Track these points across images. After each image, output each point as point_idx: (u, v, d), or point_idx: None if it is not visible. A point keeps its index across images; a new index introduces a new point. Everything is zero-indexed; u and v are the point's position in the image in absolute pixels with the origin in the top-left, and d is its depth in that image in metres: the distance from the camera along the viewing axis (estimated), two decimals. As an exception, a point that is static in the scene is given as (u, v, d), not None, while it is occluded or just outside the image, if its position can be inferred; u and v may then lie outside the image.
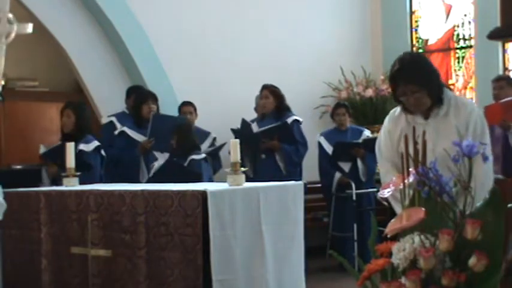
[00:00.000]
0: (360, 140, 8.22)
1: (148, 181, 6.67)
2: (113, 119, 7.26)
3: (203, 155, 6.72)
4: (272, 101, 7.57)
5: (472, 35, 9.71)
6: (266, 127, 7.46)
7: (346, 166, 8.13)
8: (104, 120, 7.55)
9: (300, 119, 7.66)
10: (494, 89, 7.69)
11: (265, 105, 7.63)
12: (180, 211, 4.57)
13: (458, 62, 9.96)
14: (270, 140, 7.36)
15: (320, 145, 8.25)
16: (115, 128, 7.16)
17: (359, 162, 8.10)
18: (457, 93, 9.72)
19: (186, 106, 7.76)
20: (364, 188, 8.06)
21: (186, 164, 6.52)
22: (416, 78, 3.57)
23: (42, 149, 6.60)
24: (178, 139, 6.63)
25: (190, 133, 6.80)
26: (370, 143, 8.45)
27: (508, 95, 7.54)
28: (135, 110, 7.13)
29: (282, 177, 6.61)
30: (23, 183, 5.72)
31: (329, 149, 8.16)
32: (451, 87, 8.82)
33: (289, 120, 7.51)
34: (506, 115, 7.38)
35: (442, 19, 10.11)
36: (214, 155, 7.41)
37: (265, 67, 8.91)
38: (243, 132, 7.42)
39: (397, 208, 3.37)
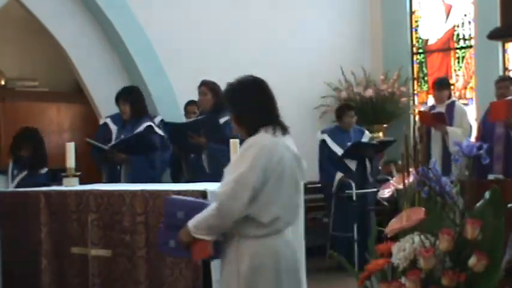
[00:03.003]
0: (375, 141, 8.31)
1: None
2: (108, 120, 7.25)
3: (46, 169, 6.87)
4: (210, 98, 7.06)
5: (472, 35, 9.72)
6: (192, 119, 7.26)
7: (352, 165, 8.12)
8: (102, 121, 7.55)
9: None
10: (500, 89, 7.67)
11: (202, 102, 7.18)
12: (180, 211, 4.56)
13: (458, 62, 9.96)
14: (198, 135, 6.90)
15: (324, 143, 8.21)
16: (109, 129, 7.15)
17: (367, 163, 8.13)
18: (457, 93, 9.74)
19: (191, 106, 7.78)
20: (367, 188, 8.06)
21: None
22: (227, 101, 3.60)
23: None
24: (33, 151, 6.84)
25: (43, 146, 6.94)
26: (384, 144, 8.56)
27: None
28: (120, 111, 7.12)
29: (207, 178, 6.19)
30: None
31: (334, 147, 8.14)
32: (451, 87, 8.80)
33: (222, 120, 6.99)
34: (510, 113, 7.36)
35: (442, 19, 10.12)
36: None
37: (265, 67, 8.84)
38: (171, 126, 7.23)
39: None
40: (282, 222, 3.43)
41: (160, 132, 7.00)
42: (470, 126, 8.23)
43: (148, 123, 6.89)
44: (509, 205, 3.12)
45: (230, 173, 3.38)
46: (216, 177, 6.41)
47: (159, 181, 6.90)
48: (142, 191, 4.82)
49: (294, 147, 3.58)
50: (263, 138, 3.41)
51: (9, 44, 9.44)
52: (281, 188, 3.40)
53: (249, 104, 3.50)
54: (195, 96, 7.72)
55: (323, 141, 8.24)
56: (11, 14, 8.50)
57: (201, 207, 3.45)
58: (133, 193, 4.80)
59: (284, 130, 3.53)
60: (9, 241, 5.47)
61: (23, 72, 9.76)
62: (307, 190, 6.42)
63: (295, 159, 3.52)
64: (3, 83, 9.63)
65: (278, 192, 3.39)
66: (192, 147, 7.00)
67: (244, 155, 3.38)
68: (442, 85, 8.21)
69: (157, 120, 7.27)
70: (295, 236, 3.62)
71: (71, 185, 5.56)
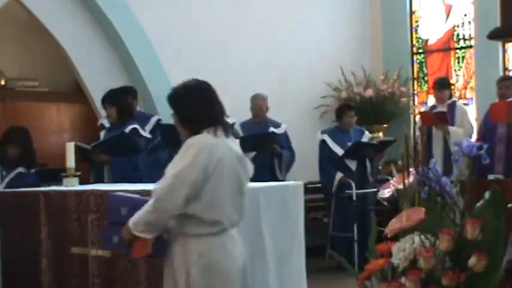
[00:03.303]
0: (375, 141, 8.32)
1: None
2: (104, 121, 7.26)
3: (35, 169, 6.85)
4: None
5: (472, 35, 9.71)
6: None
7: (352, 165, 8.12)
8: (99, 122, 7.55)
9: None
10: (501, 89, 7.65)
11: None
12: (180, 211, 4.56)
13: (458, 62, 9.96)
14: None
15: (324, 143, 8.21)
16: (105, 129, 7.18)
17: (367, 163, 8.13)
18: (457, 93, 9.74)
19: None
20: (367, 188, 8.06)
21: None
22: (171, 102, 3.72)
23: None
24: (22, 151, 6.77)
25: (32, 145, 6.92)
26: (384, 144, 8.56)
27: None
28: None
29: None
30: None
31: (335, 147, 8.14)
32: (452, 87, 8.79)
33: None
34: (510, 114, 7.35)
35: (442, 19, 10.11)
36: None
37: (265, 67, 8.92)
38: (166, 127, 7.16)
39: None
40: (225, 221, 3.49)
41: (146, 135, 6.99)
42: (472, 126, 8.23)
43: (134, 126, 6.88)
44: (509, 205, 3.12)
45: (171, 170, 3.44)
46: None
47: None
48: (142, 191, 4.81)
49: (238, 148, 3.64)
50: (204, 138, 3.48)
51: (9, 44, 9.44)
52: (223, 187, 3.46)
53: (192, 106, 3.60)
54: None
55: (323, 142, 8.24)
56: (11, 14, 8.50)
57: (144, 204, 3.49)
58: (133, 193, 4.80)
59: (227, 132, 3.60)
60: (9, 241, 5.46)
61: (23, 72, 9.76)
62: (307, 190, 6.42)
63: (238, 161, 3.58)
64: (3, 83, 9.63)
65: (220, 192, 3.44)
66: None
67: (185, 153, 3.44)
68: (443, 85, 8.21)
69: (153, 120, 7.26)
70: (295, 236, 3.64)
71: (71, 185, 5.55)
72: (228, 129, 3.62)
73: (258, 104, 8.07)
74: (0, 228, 5.49)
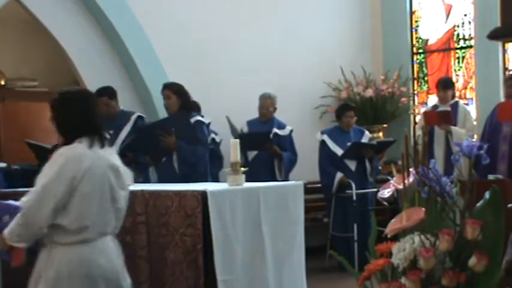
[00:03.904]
0: (375, 142, 8.33)
1: None
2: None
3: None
4: (175, 101, 6.85)
5: (472, 35, 9.71)
6: (157, 120, 7.14)
7: (352, 165, 8.12)
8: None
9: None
10: (510, 87, 7.60)
11: (168, 106, 6.98)
12: (180, 211, 4.57)
13: (458, 62, 9.96)
14: (169, 135, 6.68)
15: (324, 143, 8.21)
16: None
17: (367, 163, 8.12)
18: (457, 93, 9.74)
19: None
20: (367, 188, 8.06)
21: None
22: (51, 109, 3.66)
23: None
24: None
25: None
26: (383, 145, 8.57)
27: None
28: None
29: (177, 179, 6.23)
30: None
31: (334, 147, 8.15)
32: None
33: (192, 120, 6.77)
34: None
35: (442, 19, 10.11)
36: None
37: (265, 67, 8.92)
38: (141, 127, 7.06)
39: None
40: (92, 231, 3.49)
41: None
42: (474, 126, 8.21)
43: None
44: (509, 205, 3.12)
45: (39, 181, 3.45)
46: (188, 176, 6.37)
47: None
48: (142, 191, 4.82)
49: (114, 157, 3.65)
50: (74, 148, 3.50)
51: (9, 44, 9.45)
52: (91, 198, 3.47)
53: (67, 115, 3.59)
54: (195, 97, 7.73)
55: (323, 142, 8.24)
56: (11, 14, 8.50)
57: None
58: (134, 193, 4.80)
59: (102, 142, 3.59)
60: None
61: (23, 72, 9.77)
62: (307, 190, 6.40)
63: (110, 169, 3.58)
64: (3, 83, 9.64)
65: (87, 203, 3.46)
66: (162, 150, 6.78)
67: (53, 163, 3.47)
68: (447, 85, 8.21)
69: (133, 118, 7.16)
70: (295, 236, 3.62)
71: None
72: (104, 140, 3.63)
73: (264, 103, 8.08)
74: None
